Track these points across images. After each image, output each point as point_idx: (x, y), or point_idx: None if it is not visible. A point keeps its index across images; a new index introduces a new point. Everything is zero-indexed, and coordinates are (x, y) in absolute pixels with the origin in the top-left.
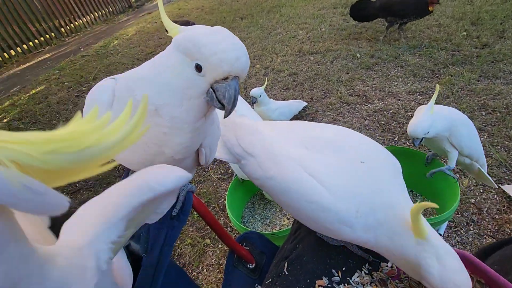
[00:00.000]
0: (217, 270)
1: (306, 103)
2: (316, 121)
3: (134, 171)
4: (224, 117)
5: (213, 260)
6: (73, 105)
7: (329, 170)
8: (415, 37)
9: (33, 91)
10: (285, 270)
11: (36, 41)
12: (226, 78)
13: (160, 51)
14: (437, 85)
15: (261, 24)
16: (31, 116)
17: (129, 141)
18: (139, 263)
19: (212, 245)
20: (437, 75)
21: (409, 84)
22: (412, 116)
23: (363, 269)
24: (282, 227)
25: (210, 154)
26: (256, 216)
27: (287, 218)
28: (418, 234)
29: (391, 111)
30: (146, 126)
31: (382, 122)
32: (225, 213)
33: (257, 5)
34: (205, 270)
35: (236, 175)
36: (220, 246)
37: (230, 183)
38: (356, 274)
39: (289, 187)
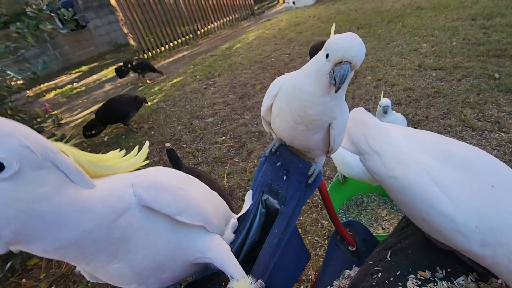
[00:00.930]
0: None
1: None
2: None
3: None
4: (335, 92)
5: None
6: (202, 95)
7: (455, 183)
8: None
9: (174, 80)
10: (388, 257)
11: (179, 40)
12: (341, 63)
13: (274, 56)
14: None
15: (379, 34)
16: (171, 99)
17: (133, 167)
18: (269, 219)
19: (302, 234)
20: None
21: None
22: None
23: (469, 276)
24: (376, 234)
25: (337, 138)
26: (350, 218)
27: (382, 228)
28: None
29: None
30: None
31: None
32: (317, 209)
33: (377, 15)
34: None
35: (337, 175)
36: (309, 237)
37: (330, 184)
38: (462, 278)
39: (410, 188)
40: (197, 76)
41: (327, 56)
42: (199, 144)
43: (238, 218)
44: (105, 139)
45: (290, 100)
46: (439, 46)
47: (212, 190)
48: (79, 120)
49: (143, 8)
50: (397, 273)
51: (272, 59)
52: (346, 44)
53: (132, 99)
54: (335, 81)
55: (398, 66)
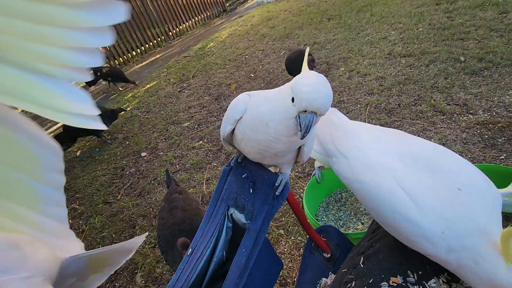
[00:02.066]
0: (288, 259)
1: None
2: (402, 130)
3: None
4: (301, 139)
5: (285, 249)
6: (176, 99)
7: (422, 189)
8: None
9: (148, 86)
10: (360, 263)
11: (151, 43)
12: (306, 111)
13: (248, 52)
14: None
15: (349, 24)
16: (146, 106)
17: None
18: (237, 231)
19: (285, 235)
20: None
21: None
22: None
23: (441, 277)
24: (355, 230)
25: (307, 153)
26: (330, 216)
27: (361, 223)
28: (510, 259)
29: (499, 125)
30: None
31: (486, 136)
32: None
33: (346, 5)
34: (282, 256)
35: (314, 173)
36: (292, 238)
37: (308, 181)
38: (433, 280)
39: (378, 194)
40: (171, 80)
41: (292, 100)
42: (176, 151)
43: (202, 236)
44: (78, 153)
45: (256, 130)
46: (406, 33)
47: (188, 208)
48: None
49: None
50: (370, 281)
51: (246, 56)
52: (311, 96)
53: (108, 111)
54: (301, 128)
55: (369, 56)
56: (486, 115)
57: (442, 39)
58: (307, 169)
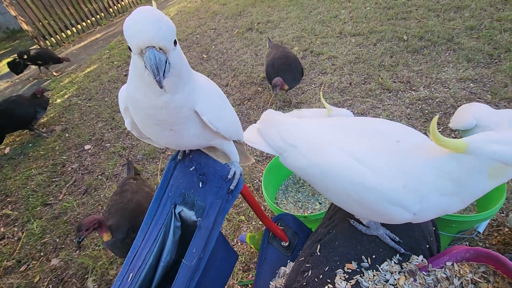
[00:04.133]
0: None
1: None
2: (353, 108)
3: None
4: (161, 87)
5: None
6: (122, 83)
7: (370, 152)
8: (474, 16)
9: (88, 69)
10: (317, 251)
11: (89, 21)
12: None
13: (200, 31)
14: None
15: (301, 3)
16: (87, 93)
17: None
18: (187, 230)
19: (246, 221)
20: (496, 60)
21: (461, 71)
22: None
23: (393, 258)
24: (314, 210)
25: (216, 122)
26: (289, 198)
27: (319, 203)
28: (457, 149)
29: (437, 100)
30: None
31: (426, 111)
32: (258, 192)
33: None
34: (239, 243)
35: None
36: (253, 223)
37: (267, 165)
38: (386, 263)
39: (333, 171)
40: (115, 62)
41: (129, 48)
42: (125, 141)
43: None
44: (6, 151)
45: (135, 108)
46: (355, 11)
47: (139, 191)
48: None
49: None
50: (326, 269)
51: (198, 36)
52: (136, 27)
53: (33, 97)
54: (150, 71)
55: (321, 35)
56: (426, 91)
57: (387, 18)
58: (265, 152)
